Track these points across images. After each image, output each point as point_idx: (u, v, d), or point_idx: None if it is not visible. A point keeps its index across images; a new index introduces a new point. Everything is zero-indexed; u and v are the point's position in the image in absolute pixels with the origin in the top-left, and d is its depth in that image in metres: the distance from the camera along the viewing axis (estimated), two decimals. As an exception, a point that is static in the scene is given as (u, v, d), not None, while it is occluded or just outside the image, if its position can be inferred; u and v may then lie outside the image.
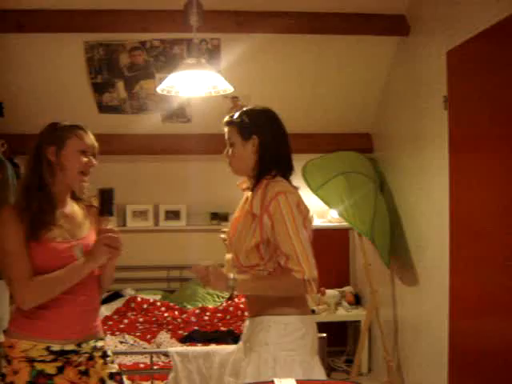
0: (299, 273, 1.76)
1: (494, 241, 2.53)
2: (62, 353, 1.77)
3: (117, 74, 3.68)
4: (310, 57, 3.69)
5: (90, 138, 1.87)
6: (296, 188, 1.93)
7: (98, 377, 1.83)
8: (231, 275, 1.76)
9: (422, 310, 3.45)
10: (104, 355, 1.89)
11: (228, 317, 3.77)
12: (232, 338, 3.24)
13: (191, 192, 4.22)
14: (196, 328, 3.54)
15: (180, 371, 2.92)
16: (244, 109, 1.99)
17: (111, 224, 1.78)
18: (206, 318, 3.75)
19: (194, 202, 4.49)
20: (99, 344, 1.89)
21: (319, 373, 1.83)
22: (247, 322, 1.95)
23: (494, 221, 2.53)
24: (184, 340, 3.39)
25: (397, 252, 3.75)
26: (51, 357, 1.75)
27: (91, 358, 1.84)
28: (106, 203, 1.79)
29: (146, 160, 4.29)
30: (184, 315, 3.80)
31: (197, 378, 3.01)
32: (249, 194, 1.95)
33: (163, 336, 3.39)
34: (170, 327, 3.63)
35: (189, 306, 3.99)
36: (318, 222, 4.53)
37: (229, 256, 1.99)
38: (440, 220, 3.06)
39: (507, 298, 2.42)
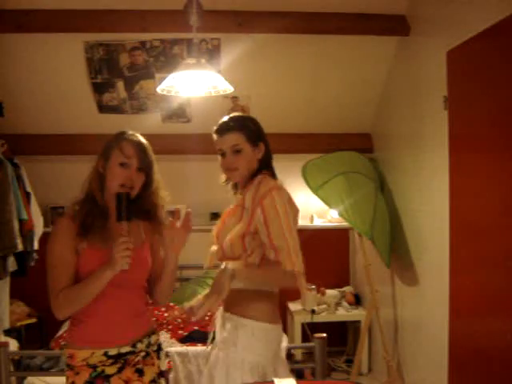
0: (290, 265, 1.79)
1: (494, 241, 2.53)
2: (120, 355, 1.80)
3: (117, 74, 3.68)
4: (309, 57, 3.69)
5: (134, 151, 1.82)
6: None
7: (151, 373, 1.87)
8: (224, 265, 1.82)
9: (422, 310, 3.45)
10: (158, 349, 1.93)
11: (228, 317, 3.76)
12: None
13: (191, 192, 4.21)
14: (196, 328, 3.54)
15: (180, 371, 2.92)
16: (239, 115, 2.04)
17: (126, 230, 1.74)
18: (206, 317, 3.74)
19: (194, 202, 4.47)
20: (153, 339, 1.91)
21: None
22: (218, 313, 2.00)
23: (494, 221, 2.53)
24: (184, 340, 3.39)
25: (397, 252, 3.75)
26: (110, 361, 1.79)
27: (147, 354, 1.87)
28: (121, 208, 1.75)
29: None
30: (184, 315, 3.80)
31: (197, 378, 3.01)
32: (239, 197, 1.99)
33: (163, 336, 3.39)
34: (170, 327, 3.63)
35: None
36: (318, 221, 4.53)
37: (213, 248, 2.00)
38: (440, 220, 3.06)
39: (507, 298, 2.42)
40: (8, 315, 3.46)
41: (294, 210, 1.94)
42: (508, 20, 2.37)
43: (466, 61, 2.77)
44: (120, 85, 3.75)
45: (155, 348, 1.92)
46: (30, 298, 4.04)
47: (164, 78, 2.43)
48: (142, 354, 1.85)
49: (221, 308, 1.99)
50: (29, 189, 3.67)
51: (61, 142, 4.06)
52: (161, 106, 3.90)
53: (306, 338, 4.04)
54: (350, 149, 4.04)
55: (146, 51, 3.56)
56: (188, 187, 4.22)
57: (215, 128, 1.99)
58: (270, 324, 1.89)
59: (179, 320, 3.74)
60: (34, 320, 4.00)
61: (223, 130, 1.95)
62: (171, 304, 3.97)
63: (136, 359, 1.83)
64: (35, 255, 3.61)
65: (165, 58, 3.58)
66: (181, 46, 3.51)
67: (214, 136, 1.99)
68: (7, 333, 3.53)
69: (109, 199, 1.83)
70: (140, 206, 1.89)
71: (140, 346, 1.85)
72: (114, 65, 3.61)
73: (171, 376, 2.63)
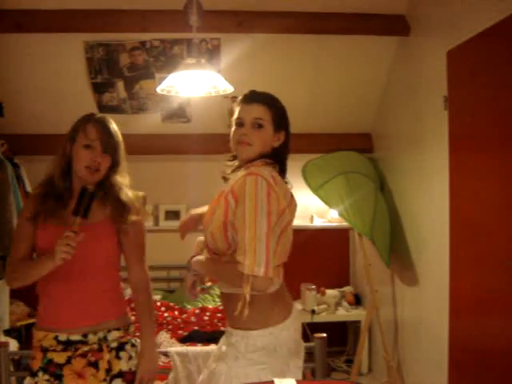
0: (241, 265, 1.56)
1: (494, 241, 2.53)
2: (70, 342, 1.80)
3: (117, 74, 3.68)
4: (309, 57, 3.68)
5: (98, 132, 1.82)
6: (286, 182, 1.78)
7: (106, 370, 1.81)
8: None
9: (422, 310, 3.45)
10: (119, 348, 1.86)
11: (228, 317, 3.77)
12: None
13: (191, 192, 4.21)
14: (196, 328, 3.54)
15: (180, 371, 2.92)
16: (269, 93, 1.84)
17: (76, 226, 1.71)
18: (206, 318, 3.75)
19: (194, 202, 4.47)
20: (111, 336, 1.85)
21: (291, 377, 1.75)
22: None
23: (494, 221, 2.53)
24: (184, 340, 3.39)
25: (397, 252, 3.75)
26: (60, 347, 1.80)
27: (100, 349, 1.83)
28: (82, 203, 1.72)
29: (146, 160, 4.28)
30: (184, 315, 3.80)
31: (197, 378, 3.01)
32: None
33: (163, 336, 3.40)
34: (170, 327, 3.63)
35: (189, 306, 3.98)
36: (318, 221, 4.53)
37: (200, 238, 1.90)
38: (440, 220, 3.06)
39: (507, 298, 2.42)
40: (8, 315, 3.46)
41: (273, 206, 1.62)
42: (508, 20, 2.37)
43: (466, 61, 2.77)
44: (120, 85, 3.75)
45: (114, 345, 1.84)
46: (29, 297, 4.04)
47: (164, 78, 2.43)
48: (95, 346, 1.81)
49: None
50: (29, 189, 3.66)
51: (61, 142, 4.05)
52: (161, 105, 3.90)
53: (306, 338, 4.02)
54: (349, 149, 4.05)
55: (145, 51, 3.56)
56: (188, 187, 4.23)
57: (242, 95, 1.81)
58: (270, 328, 1.70)
59: (179, 320, 3.74)
60: (34, 320, 3.99)
61: (252, 98, 1.77)
62: (171, 304, 3.97)
63: (85, 349, 1.80)
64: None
65: (165, 58, 3.58)
66: (181, 46, 3.51)
67: (238, 104, 1.79)
68: (7, 333, 3.52)
69: (75, 182, 1.87)
70: (104, 187, 1.89)
71: (92, 337, 1.82)
72: (114, 65, 3.61)
73: (171, 376, 2.63)
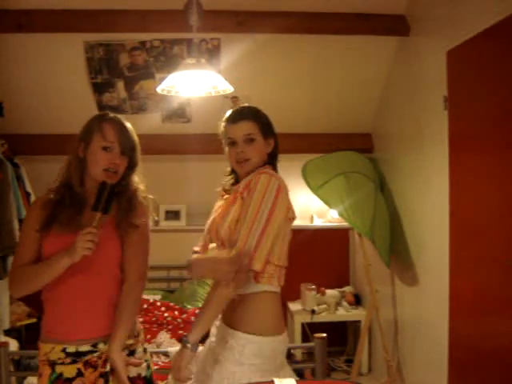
0: (230, 254, 1.64)
1: (494, 241, 2.53)
2: (79, 354, 1.71)
3: (117, 74, 3.68)
4: (309, 57, 3.68)
5: (116, 133, 1.76)
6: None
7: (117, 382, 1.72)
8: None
9: (422, 310, 3.45)
10: (129, 355, 1.79)
11: (228, 317, 3.77)
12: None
13: (191, 192, 4.21)
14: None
15: (180, 371, 2.91)
16: (252, 106, 1.93)
17: (100, 222, 1.67)
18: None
19: (194, 202, 4.48)
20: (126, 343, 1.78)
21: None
22: (218, 323, 1.86)
23: (494, 221, 2.53)
24: (184, 340, 3.39)
25: (397, 252, 3.75)
26: (69, 359, 1.70)
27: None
28: (101, 199, 1.68)
29: (146, 160, 4.26)
30: (184, 315, 3.80)
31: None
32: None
33: (163, 336, 3.40)
34: (170, 327, 3.63)
35: (189, 306, 3.99)
36: (318, 221, 4.53)
37: (212, 245, 1.89)
38: (440, 220, 3.06)
39: (507, 298, 2.42)
40: (8, 315, 3.46)
41: (278, 203, 1.71)
42: (508, 20, 2.37)
43: (466, 61, 2.77)
44: (120, 85, 3.75)
45: (125, 353, 1.76)
46: (30, 297, 4.04)
47: (164, 78, 2.43)
48: (104, 356, 1.72)
49: (219, 322, 1.85)
50: (29, 189, 3.67)
51: (61, 141, 4.00)
52: (161, 105, 3.90)
53: (305, 338, 4.04)
54: (349, 149, 4.04)
55: (145, 51, 3.56)
56: (188, 187, 4.23)
57: (227, 116, 1.89)
58: (275, 336, 1.74)
59: (179, 320, 3.74)
60: (33, 320, 3.99)
61: (237, 117, 1.86)
62: (171, 304, 3.98)
63: (95, 359, 1.71)
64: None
65: (165, 58, 3.58)
66: (181, 46, 3.51)
67: (225, 124, 1.89)
68: (7, 333, 3.53)
69: (89, 185, 1.76)
70: (120, 187, 1.80)
71: (102, 347, 1.73)
72: (113, 65, 3.61)
73: (171, 376, 2.63)
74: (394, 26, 3.47)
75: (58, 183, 1.79)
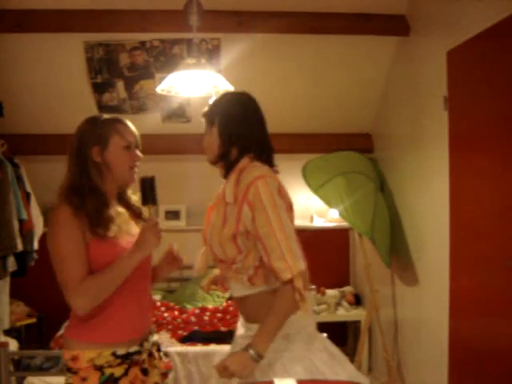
0: (285, 271, 1.57)
1: (494, 241, 2.53)
2: (128, 355, 1.72)
3: (117, 74, 3.68)
4: (309, 57, 3.68)
5: (131, 131, 1.82)
6: (276, 172, 1.77)
7: (155, 374, 1.82)
8: (246, 350, 1.58)
9: (422, 310, 3.45)
10: (159, 349, 1.88)
11: (228, 317, 3.76)
12: (232, 338, 3.24)
13: (191, 192, 4.21)
14: (196, 328, 3.54)
15: (180, 371, 2.92)
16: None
17: (155, 213, 1.73)
18: (206, 318, 3.75)
19: (194, 202, 4.48)
20: (155, 338, 1.87)
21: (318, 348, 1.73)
22: (241, 323, 1.84)
23: (494, 221, 2.53)
24: (184, 340, 3.39)
25: (397, 252, 3.75)
26: (118, 361, 1.69)
27: (151, 354, 1.82)
28: (147, 192, 1.73)
29: (146, 160, 4.26)
30: (184, 315, 3.80)
31: (197, 378, 3.01)
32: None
33: (163, 336, 3.39)
34: (170, 327, 3.63)
35: (189, 306, 3.99)
36: (318, 221, 4.53)
37: (204, 250, 1.88)
38: (440, 220, 3.06)
39: (507, 298, 2.42)
40: (8, 315, 3.46)
41: (286, 199, 1.70)
42: (508, 20, 2.37)
43: (466, 61, 2.77)
44: (120, 85, 3.75)
45: (156, 348, 1.87)
46: (29, 297, 4.04)
47: (164, 78, 2.43)
48: (147, 352, 1.80)
49: (242, 322, 1.83)
50: (29, 189, 3.67)
51: (61, 141, 4.02)
52: (161, 106, 3.90)
53: (305, 338, 4.03)
54: (349, 149, 4.04)
55: (145, 51, 3.56)
56: (188, 187, 4.23)
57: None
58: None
59: (179, 320, 3.74)
60: (33, 320, 4.00)
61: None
62: (171, 304, 3.98)
63: (141, 358, 1.76)
64: (35, 255, 3.61)
65: (165, 58, 3.58)
66: (181, 46, 3.51)
67: None
68: (7, 333, 3.53)
69: (110, 188, 1.77)
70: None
71: (146, 345, 1.79)
72: (113, 65, 3.61)
73: (171, 376, 2.63)
74: (394, 25, 3.47)
75: (72, 189, 1.70)
